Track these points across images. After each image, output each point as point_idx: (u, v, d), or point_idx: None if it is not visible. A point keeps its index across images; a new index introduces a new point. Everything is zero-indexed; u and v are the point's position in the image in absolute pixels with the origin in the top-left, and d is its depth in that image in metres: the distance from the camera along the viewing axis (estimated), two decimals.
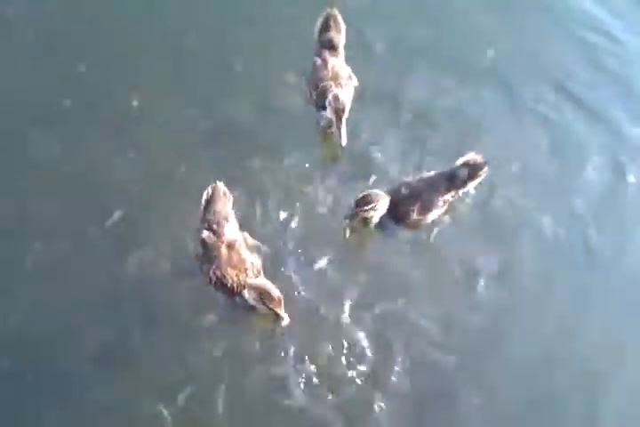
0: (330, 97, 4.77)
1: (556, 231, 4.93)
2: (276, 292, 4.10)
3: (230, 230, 4.35)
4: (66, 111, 5.27)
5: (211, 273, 4.21)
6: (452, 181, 4.65)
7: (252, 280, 4.19)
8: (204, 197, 4.41)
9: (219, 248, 4.23)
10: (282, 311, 4.13)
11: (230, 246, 4.26)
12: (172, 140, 5.12)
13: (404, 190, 4.63)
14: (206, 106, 5.29)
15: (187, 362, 4.35)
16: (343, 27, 5.16)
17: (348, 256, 4.78)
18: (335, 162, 5.15)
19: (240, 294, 4.19)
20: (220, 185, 4.47)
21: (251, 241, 4.55)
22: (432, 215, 4.72)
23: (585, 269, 4.82)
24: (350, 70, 5.18)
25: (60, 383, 4.27)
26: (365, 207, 4.46)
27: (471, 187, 4.77)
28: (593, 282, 4.75)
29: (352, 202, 4.52)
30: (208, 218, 4.34)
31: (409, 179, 4.73)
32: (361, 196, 4.49)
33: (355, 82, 5.18)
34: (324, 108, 4.84)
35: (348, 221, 4.66)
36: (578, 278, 4.77)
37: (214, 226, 4.30)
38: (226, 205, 4.43)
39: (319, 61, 5.04)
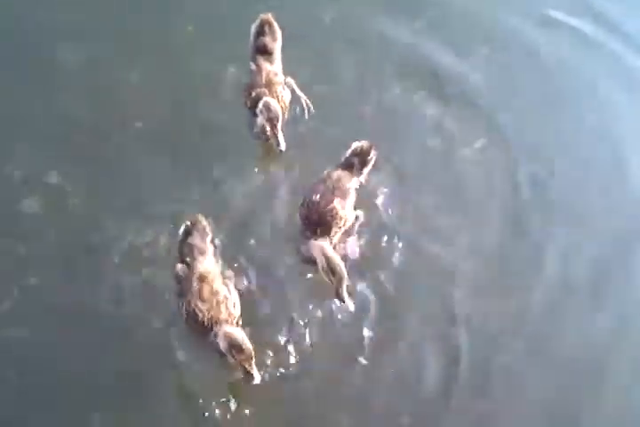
0: (260, 106, 4.76)
1: None
2: (246, 344, 3.84)
3: (205, 264, 4.22)
4: None
5: (183, 310, 4.08)
6: (349, 169, 4.65)
7: (226, 328, 3.97)
8: (181, 229, 4.33)
9: (190, 281, 4.11)
10: (252, 368, 3.87)
11: (202, 279, 4.12)
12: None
13: (316, 198, 4.47)
14: None
15: None
16: (279, 32, 5.13)
17: None
18: (270, 165, 5.14)
19: (211, 333, 3.98)
20: (200, 218, 4.38)
21: (229, 274, 4.38)
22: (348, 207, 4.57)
23: None
24: (289, 79, 5.15)
25: None
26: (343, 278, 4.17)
27: (366, 173, 4.74)
28: None
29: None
30: (183, 251, 4.26)
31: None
32: (331, 272, 4.16)
33: (294, 87, 5.19)
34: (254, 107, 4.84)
35: (343, 298, 4.24)
36: None
37: (188, 259, 4.21)
38: (204, 238, 4.33)
39: (254, 67, 5.02)
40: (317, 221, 4.41)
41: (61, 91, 5.41)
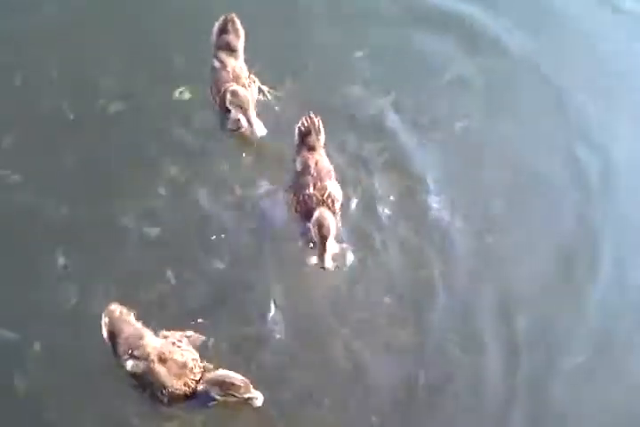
0: (228, 95, 4.75)
1: None
2: (237, 378, 3.84)
3: (152, 343, 4.00)
4: None
5: (160, 396, 3.95)
6: (314, 149, 4.69)
7: (208, 376, 3.93)
8: (104, 328, 4.06)
9: (152, 369, 3.92)
10: (252, 393, 3.86)
11: (162, 359, 3.94)
12: None
13: (311, 191, 4.54)
14: None
15: None
16: (242, 31, 5.16)
17: None
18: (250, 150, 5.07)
19: (197, 393, 3.94)
20: (115, 308, 4.13)
21: (178, 336, 4.20)
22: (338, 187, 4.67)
23: None
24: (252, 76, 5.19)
25: None
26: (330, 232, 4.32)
27: (323, 139, 4.76)
28: None
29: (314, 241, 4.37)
30: (121, 350, 3.99)
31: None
32: (317, 229, 4.29)
33: (257, 82, 5.22)
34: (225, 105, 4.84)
35: (323, 263, 4.37)
36: None
37: (133, 352, 3.96)
38: (131, 323, 4.11)
39: (217, 64, 5.04)
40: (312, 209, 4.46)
41: None
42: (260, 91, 5.25)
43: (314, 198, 4.52)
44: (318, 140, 4.73)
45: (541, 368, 4.39)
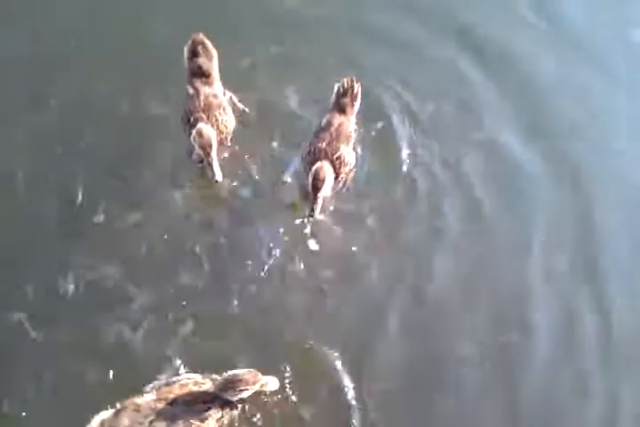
0: (193, 133, 4.49)
1: None
2: (241, 372, 3.78)
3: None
4: None
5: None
6: (344, 111, 4.76)
7: (215, 384, 3.85)
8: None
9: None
10: (262, 380, 3.82)
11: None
12: None
13: (320, 144, 4.61)
14: None
15: None
16: (214, 52, 4.83)
17: None
18: (214, 204, 4.86)
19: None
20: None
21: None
22: (352, 154, 4.75)
23: None
24: (232, 96, 4.97)
25: None
26: (324, 183, 4.42)
27: (357, 107, 4.85)
28: None
29: (307, 190, 4.50)
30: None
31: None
32: (312, 178, 4.42)
33: (235, 102, 5.00)
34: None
35: (312, 212, 4.49)
36: None
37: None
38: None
39: (191, 91, 4.73)
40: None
41: None
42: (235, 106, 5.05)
43: (322, 153, 4.58)
44: (352, 105, 4.80)
45: None
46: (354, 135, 4.80)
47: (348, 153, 4.68)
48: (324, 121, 4.73)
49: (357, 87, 4.79)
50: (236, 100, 5.09)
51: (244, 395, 3.83)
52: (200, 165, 4.75)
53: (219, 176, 4.55)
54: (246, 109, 5.10)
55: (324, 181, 4.40)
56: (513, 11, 5.90)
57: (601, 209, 4.94)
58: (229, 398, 3.82)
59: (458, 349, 4.39)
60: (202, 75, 4.75)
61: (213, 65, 4.82)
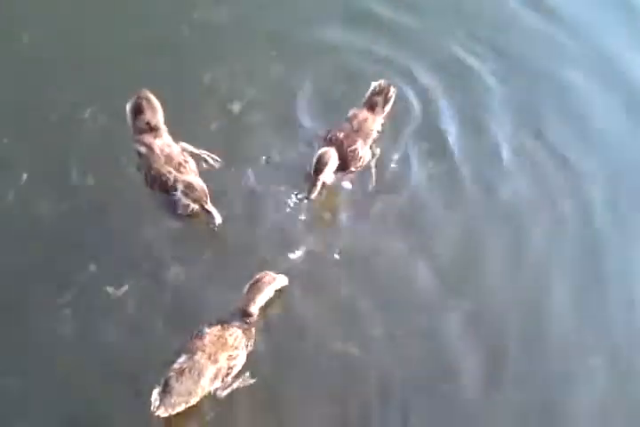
0: (180, 190, 4.45)
1: None
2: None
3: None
4: None
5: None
6: (373, 109, 4.87)
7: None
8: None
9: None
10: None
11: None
12: None
13: (338, 133, 4.72)
14: None
15: None
16: (157, 104, 4.77)
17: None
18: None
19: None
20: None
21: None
22: (368, 151, 4.84)
23: None
24: (183, 144, 4.87)
25: None
26: (326, 167, 4.53)
27: (387, 110, 4.95)
28: None
29: (310, 172, 4.60)
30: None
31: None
32: (316, 161, 4.53)
33: (191, 149, 4.90)
34: (169, 191, 4.52)
35: (309, 194, 4.63)
36: None
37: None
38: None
39: (143, 149, 4.65)
40: (338, 158, 4.61)
41: None
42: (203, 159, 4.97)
43: (339, 142, 4.67)
44: (383, 106, 4.89)
45: None
46: (375, 134, 4.86)
47: (364, 149, 4.75)
48: (351, 113, 4.85)
49: (393, 92, 4.92)
50: (193, 148, 4.98)
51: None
52: (189, 213, 4.62)
53: (219, 219, 4.55)
54: (209, 158, 5.02)
55: (326, 165, 4.51)
56: None
57: None
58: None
59: None
60: (150, 130, 4.70)
61: (159, 118, 4.76)
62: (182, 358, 3.90)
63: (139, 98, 4.74)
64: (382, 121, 4.95)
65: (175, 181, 4.50)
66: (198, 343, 3.95)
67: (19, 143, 5.08)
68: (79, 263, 4.59)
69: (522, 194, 5.01)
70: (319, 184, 4.58)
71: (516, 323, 4.46)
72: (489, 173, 5.11)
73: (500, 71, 5.62)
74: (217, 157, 5.00)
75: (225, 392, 4.06)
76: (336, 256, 4.67)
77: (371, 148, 4.89)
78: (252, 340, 4.16)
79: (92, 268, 4.59)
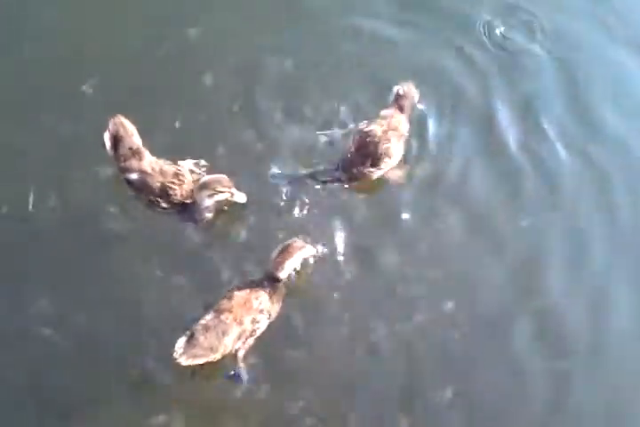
0: (204, 195, 4.51)
1: None
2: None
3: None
4: None
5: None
6: (402, 111, 4.96)
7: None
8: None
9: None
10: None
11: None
12: None
13: (375, 129, 4.79)
14: None
15: None
16: (132, 127, 4.72)
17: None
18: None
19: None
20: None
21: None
22: (400, 152, 4.92)
23: None
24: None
25: None
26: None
27: (412, 108, 5.05)
28: None
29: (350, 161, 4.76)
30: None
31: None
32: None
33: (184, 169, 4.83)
34: (183, 201, 4.63)
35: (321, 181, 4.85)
36: None
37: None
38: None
39: (134, 176, 4.65)
40: (370, 153, 4.76)
41: None
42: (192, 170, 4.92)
43: (375, 137, 4.76)
44: (410, 108, 5.00)
45: None
46: (406, 134, 4.95)
47: (395, 147, 4.83)
48: (382, 112, 4.94)
49: (417, 94, 5.04)
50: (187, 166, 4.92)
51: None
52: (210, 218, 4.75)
53: (244, 198, 4.62)
54: (195, 167, 4.98)
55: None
56: None
57: None
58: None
59: None
60: (133, 154, 4.67)
61: (138, 140, 4.73)
62: (209, 316, 4.12)
63: (114, 125, 4.70)
64: (407, 121, 4.98)
65: (187, 197, 4.60)
66: (226, 305, 4.14)
67: None
68: None
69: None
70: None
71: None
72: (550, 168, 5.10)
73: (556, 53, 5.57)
74: (205, 162, 5.00)
75: (242, 353, 4.25)
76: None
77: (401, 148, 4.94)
78: (278, 306, 4.31)
79: None
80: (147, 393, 4.26)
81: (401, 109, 4.96)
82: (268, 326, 4.30)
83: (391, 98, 5.01)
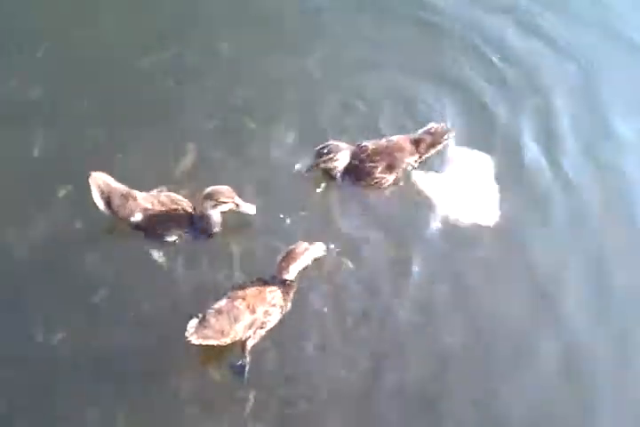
0: (206, 198, 4.59)
1: None
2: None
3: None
4: None
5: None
6: (417, 145, 4.96)
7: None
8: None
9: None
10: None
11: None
12: None
13: (370, 146, 4.87)
14: None
15: None
16: (110, 178, 4.68)
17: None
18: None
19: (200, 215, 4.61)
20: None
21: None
22: (392, 177, 4.96)
23: None
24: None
25: None
26: (325, 158, 4.77)
27: (433, 152, 5.05)
28: None
29: (314, 152, 4.81)
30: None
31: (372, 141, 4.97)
32: (321, 146, 4.78)
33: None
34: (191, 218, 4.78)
35: (306, 170, 4.90)
36: None
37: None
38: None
39: (139, 216, 4.71)
40: (355, 166, 4.88)
41: None
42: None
43: (363, 152, 4.88)
44: (428, 147, 4.99)
45: None
46: (408, 167, 5.00)
47: (385, 172, 4.91)
48: (396, 138, 4.99)
49: (448, 139, 5.05)
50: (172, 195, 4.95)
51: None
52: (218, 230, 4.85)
53: (253, 210, 4.68)
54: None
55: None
56: None
57: None
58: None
59: None
60: (127, 199, 4.68)
61: (119, 185, 4.69)
62: (223, 301, 4.22)
63: (98, 188, 4.65)
64: (418, 159, 5.02)
65: (200, 213, 4.70)
66: (240, 293, 4.25)
67: None
68: None
69: None
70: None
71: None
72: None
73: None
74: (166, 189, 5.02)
75: (252, 342, 4.32)
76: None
77: (397, 177, 5.00)
78: (288, 303, 4.38)
79: None
80: (147, 393, 4.30)
81: (416, 142, 4.97)
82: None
83: (421, 129, 5.04)
